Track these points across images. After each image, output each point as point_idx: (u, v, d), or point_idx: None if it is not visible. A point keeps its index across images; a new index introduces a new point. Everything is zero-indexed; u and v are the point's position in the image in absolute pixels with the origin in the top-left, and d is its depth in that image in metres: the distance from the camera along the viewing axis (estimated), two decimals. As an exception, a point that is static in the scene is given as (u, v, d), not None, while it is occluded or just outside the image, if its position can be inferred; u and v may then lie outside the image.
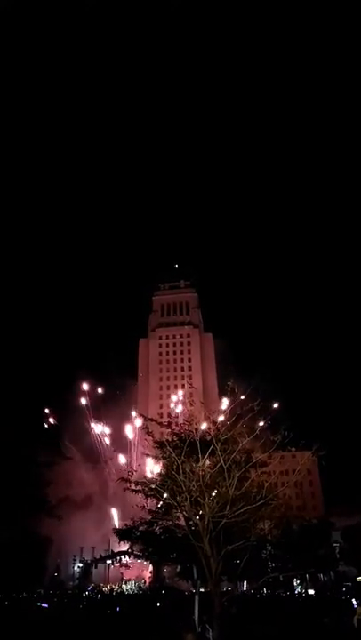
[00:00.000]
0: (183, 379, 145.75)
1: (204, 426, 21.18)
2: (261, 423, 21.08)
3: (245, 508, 19.41)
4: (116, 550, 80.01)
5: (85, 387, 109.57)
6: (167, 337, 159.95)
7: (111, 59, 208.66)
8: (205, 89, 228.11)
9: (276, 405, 21.43)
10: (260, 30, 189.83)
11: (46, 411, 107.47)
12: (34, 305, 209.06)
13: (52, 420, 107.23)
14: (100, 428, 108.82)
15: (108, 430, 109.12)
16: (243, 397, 21.40)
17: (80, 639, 25.13)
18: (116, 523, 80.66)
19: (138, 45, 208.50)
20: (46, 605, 33.95)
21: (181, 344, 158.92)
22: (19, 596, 53.16)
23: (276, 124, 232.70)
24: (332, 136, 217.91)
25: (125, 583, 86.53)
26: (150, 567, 78.66)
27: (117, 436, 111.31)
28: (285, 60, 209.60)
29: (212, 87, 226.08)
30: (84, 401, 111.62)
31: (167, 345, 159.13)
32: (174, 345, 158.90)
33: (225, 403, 23.60)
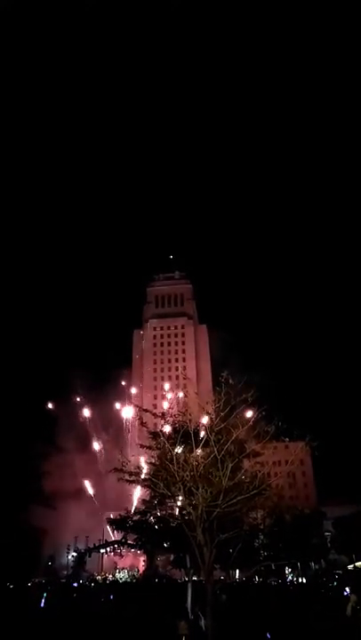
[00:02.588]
0: (177, 370, 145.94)
1: (205, 420, 21.06)
2: (250, 413, 21.04)
3: (239, 498, 19.49)
4: (110, 539, 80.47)
5: (79, 377, 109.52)
6: (161, 328, 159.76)
7: (111, 58, 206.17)
8: (201, 85, 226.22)
9: (265, 407, 21.28)
10: (259, 30, 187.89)
11: (41, 403, 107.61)
12: (28, 296, 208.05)
13: (46, 412, 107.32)
14: (92, 419, 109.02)
15: (100, 422, 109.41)
16: (237, 388, 21.39)
17: (73, 628, 25.27)
18: (111, 512, 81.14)
19: (138, 45, 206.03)
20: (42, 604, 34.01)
21: (176, 335, 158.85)
22: (11, 585, 53.40)
23: (270, 118, 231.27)
24: (323, 130, 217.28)
25: (119, 572, 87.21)
26: (144, 556, 79.29)
27: (111, 426, 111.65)
28: (285, 59, 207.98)
29: (208, 83, 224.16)
30: (77, 392, 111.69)
31: (161, 336, 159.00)
32: (168, 336, 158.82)
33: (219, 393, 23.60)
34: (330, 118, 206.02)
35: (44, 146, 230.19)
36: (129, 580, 79.44)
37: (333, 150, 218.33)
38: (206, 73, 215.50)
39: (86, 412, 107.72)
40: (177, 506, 22.06)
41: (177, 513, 24.15)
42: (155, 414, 25.69)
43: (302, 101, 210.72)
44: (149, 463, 23.32)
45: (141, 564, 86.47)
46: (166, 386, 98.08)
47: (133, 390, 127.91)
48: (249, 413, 21.17)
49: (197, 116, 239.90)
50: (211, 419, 20.95)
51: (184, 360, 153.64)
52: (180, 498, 20.39)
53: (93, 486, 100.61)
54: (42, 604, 34.03)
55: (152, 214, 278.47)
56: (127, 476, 23.95)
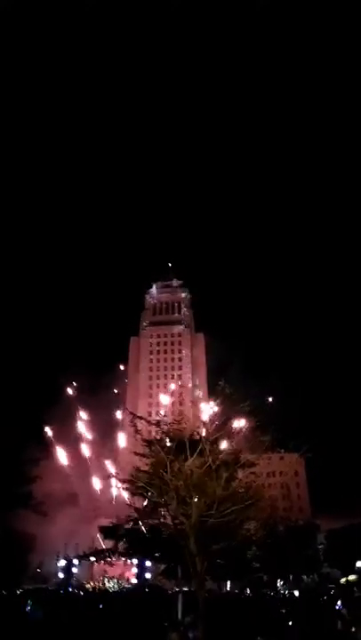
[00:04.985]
0: (173, 377, 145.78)
1: (203, 432, 20.94)
2: (243, 422, 20.80)
3: (232, 509, 19.35)
4: (100, 547, 79.73)
5: (74, 383, 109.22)
6: (158, 335, 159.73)
7: (111, 58, 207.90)
8: (201, 90, 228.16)
9: (260, 417, 20.95)
10: (259, 30, 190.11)
11: (33, 407, 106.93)
12: (24, 302, 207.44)
13: (39, 416, 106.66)
14: (85, 425, 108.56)
15: (92, 430, 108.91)
16: (233, 398, 21.28)
17: (62, 638, 24.84)
18: (103, 520, 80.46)
19: (138, 45, 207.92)
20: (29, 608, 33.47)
21: (172, 343, 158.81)
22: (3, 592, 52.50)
23: (271, 123, 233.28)
24: (322, 141, 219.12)
25: (108, 581, 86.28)
26: (134, 565, 78.43)
27: (105, 433, 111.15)
28: (286, 61, 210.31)
29: (207, 88, 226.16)
30: (72, 397, 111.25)
31: (158, 343, 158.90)
32: (165, 344, 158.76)
33: (213, 404, 23.45)
34: (329, 131, 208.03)
35: (41, 151, 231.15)
36: (118, 589, 78.53)
37: (332, 161, 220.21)
38: (207, 75, 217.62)
39: (80, 418, 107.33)
40: (170, 515, 21.84)
41: (170, 522, 23.93)
42: (149, 422, 25.53)
43: (303, 108, 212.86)
44: (143, 471, 23.12)
45: (132, 574, 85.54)
46: (165, 399, 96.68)
47: (128, 397, 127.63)
48: (242, 422, 21.00)
49: (197, 122, 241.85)
50: (206, 428, 20.85)
51: (180, 368, 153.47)
52: (173, 507, 20.23)
53: (84, 492, 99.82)
54: (27, 610, 33.47)
55: (151, 222, 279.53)
56: (119, 484, 23.78)
